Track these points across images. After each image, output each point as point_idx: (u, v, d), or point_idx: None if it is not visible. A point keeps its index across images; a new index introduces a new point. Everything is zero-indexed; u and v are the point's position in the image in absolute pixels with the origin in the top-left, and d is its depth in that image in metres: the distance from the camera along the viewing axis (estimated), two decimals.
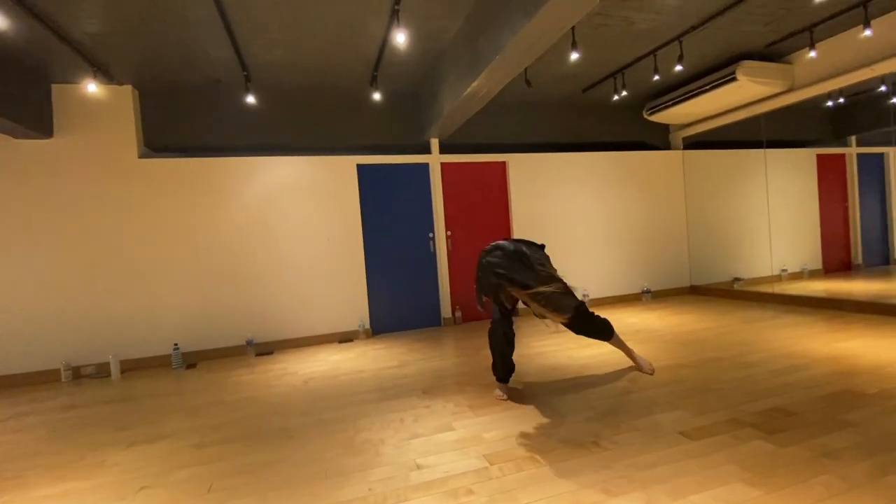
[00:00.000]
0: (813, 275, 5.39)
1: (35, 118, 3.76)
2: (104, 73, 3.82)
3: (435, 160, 5.04)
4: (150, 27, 3.22)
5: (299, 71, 4.16)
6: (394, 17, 3.10)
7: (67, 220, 4.01)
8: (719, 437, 1.99)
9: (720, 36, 3.97)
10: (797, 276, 5.38)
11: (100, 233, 4.08)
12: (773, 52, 4.44)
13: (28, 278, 3.91)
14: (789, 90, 4.61)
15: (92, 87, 3.73)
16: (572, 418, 2.31)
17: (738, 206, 5.60)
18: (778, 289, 5.07)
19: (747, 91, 4.60)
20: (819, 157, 5.34)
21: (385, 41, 3.64)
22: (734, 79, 4.39)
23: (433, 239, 5.06)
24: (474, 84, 3.32)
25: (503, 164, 5.31)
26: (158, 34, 3.32)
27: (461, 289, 5.16)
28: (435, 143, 5.04)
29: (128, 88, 4.17)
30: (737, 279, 5.59)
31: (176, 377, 3.75)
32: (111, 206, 4.11)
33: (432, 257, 5.05)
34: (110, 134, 4.11)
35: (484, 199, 5.28)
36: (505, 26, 2.75)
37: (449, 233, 5.11)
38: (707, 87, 4.69)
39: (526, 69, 4.10)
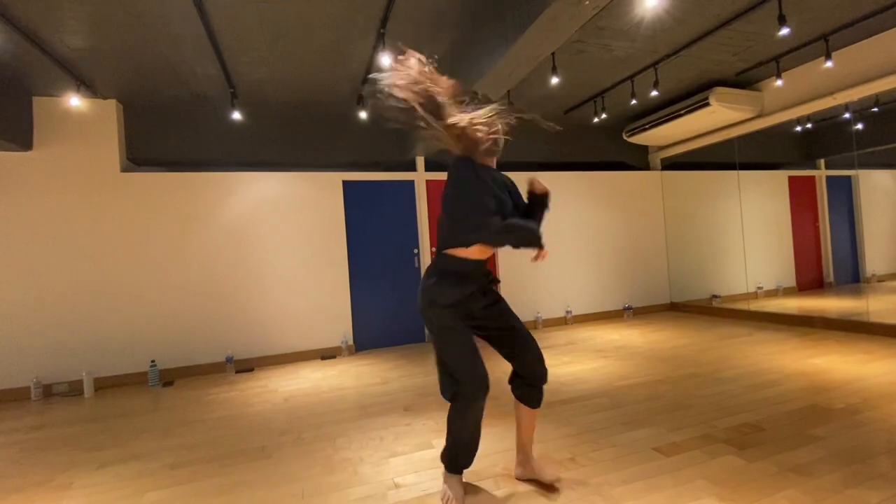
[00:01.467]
0: (787, 292, 5.56)
1: (13, 130, 3.72)
2: (88, 86, 3.81)
3: (420, 178, 5.11)
4: (136, 43, 3.24)
5: (286, 89, 4.21)
6: (380, 40, 3.18)
7: (43, 233, 3.94)
8: (692, 453, 2.03)
9: (693, 64, 4.15)
10: (772, 293, 5.54)
11: (76, 246, 4.02)
12: (744, 80, 4.64)
13: (3, 291, 3.81)
14: (759, 115, 4.82)
15: (75, 101, 3.72)
16: (550, 435, 2.33)
17: (715, 225, 5.78)
18: (754, 306, 5.21)
19: (720, 116, 4.79)
20: (791, 178, 5.57)
21: (371, 62, 3.72)
22: (707, 104, 4.58)
23: (418, 255, 5.09)
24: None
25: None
26: (144, 50, 3.34)
27: None
28: (420, 161, 5.11)
29: (112, 102, 4.16)
30: (715, 296, 5.73)
31: (152, 395, 3.66)
32: (89, 220, 4.06)
33: (417, 273, 5.07)
34: (92, 147, 4.08)
35: None
36: (485, 53, 2.85)
37: (434, 249, 5.15)
38: (682, 112, 4.87)
39: (508, 91, 4.22)
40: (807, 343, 3.85)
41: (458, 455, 1.79)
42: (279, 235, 4.58)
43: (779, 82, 4.24)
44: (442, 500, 1.79)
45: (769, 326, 4.66)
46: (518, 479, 1.91)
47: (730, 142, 5.24)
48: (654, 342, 4.24)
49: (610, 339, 4.50)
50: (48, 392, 3.86)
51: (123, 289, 4.11)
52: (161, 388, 3.89)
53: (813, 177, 5.52)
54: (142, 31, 3.09)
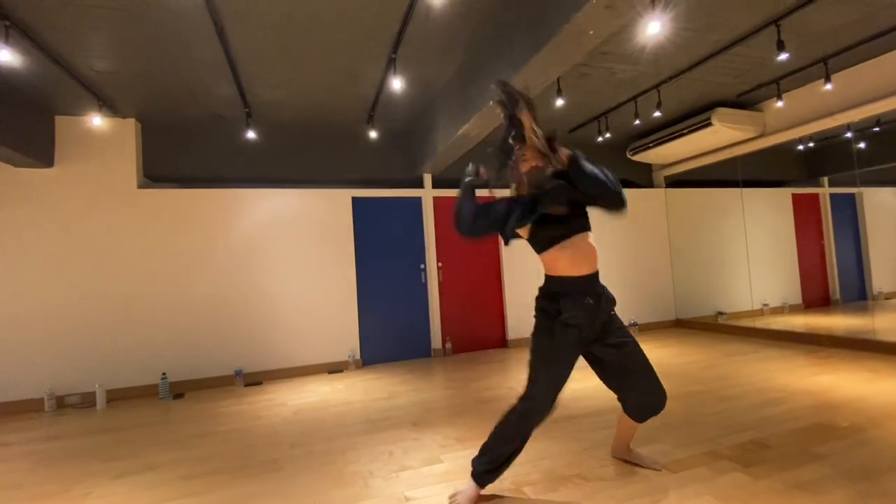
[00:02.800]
0: (793, 309, 5.57)
1: (36, 148, 3.86)
2: (109, 106, 3.96)
3: (428, 194, 5.21)
4: (157, 65, 3.38)
5: (299, 108, 4.35)
6: (391, 64, 3.31)
7: (62, 248, 4.05)
8: (698, 470, 2.06)
9: (695, 85, 4.26)
10: (778, 310, 5.55)
11: (93, 260, 4.12)
12: (745, 101, 4.74)
13: (16, 305, 3.91)
14: (761, 135, 4.90)
15: (97, 121, 3.86)
16: (558, 451, 2.36)
17: (720, 242, 5.82)
18: (759, 323, 5.22)
19: (722, 135, 4.88)
20: (794, 196, 5.62)
21: (382, 85, 3.85)
22: (710, 124, 4.67)
23: (425, 270, 5.16)
24: (465, 127, 3.51)
25: (493, 199, 5.48)
26: (165, 72, 3.49)
27: (452, 320, 5.22)
28: (428, 178, 5.22)
29: (131, 121, 4.31)
30: (720, 313, 5.74)
31: (163, 407, 3.72)
32: (106, 235, 4.17)
33: (423, 288, 5.14)
34: (111, 164, 4.22)
35: None
36: (493, 77, 2.96)
37: (440, 264, 5.22)
38: (685, 131, 4.97)
39: None
40: (813, 361, 3.86)
41: (490, 465, 1.84)
42: (289, 251, 4.67)
43: (779, 103, 4.33)
44: (449, 497, 1.88)
45: (775, 344, 4.66)
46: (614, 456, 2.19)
47: (733, 160, 5.32)
48: (659, 359, 4.26)
49: None
50: (61, 403, 3.93)
51: (136, 302, 4.19)
52: (171, 400, 3.94)
53: (817, 194, 5.57)
54: (163, 55, 3.23)
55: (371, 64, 3.52)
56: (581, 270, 1.88)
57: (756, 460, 2.12)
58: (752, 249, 5.44)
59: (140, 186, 4.31)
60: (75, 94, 3.71)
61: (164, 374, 4.10)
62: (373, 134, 4.65)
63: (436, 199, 5.26)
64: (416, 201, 5.20)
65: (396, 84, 3.29)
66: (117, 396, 4.06)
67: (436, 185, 5.29)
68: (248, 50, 3.22)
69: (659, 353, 4.49)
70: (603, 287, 1.96)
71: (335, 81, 3.79)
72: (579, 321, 1.84)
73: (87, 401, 3.97)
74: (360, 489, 2.08)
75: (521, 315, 5.39)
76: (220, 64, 3.37)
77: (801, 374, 3.49)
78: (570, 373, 1.87)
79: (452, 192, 5.31)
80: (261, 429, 3.01)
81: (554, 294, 1.90)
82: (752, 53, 3.67)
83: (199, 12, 2.74)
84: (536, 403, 1.83)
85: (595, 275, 1.91)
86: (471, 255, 5.39)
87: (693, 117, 4.94)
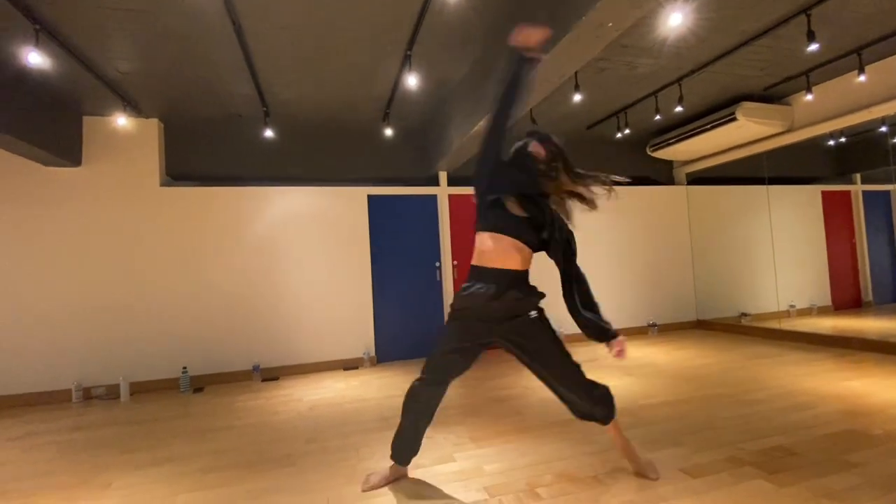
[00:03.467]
0: (821, 311, 5.36)
1: (65, 148, 3.99)
2: (133, 107, 4.06)
3: (443, 192, 5.19)
4: (179, 67, 3.45)
5: (315, 107, 4.38)
6: (406, 61, 3.30)
7: (89, 245, 4.18)
8: (719, 475, 1.99)
9: (719, 79, 4.13)
10: (805, 312, 5.36)
11: (118, 257, 4.23)
12: (772, 94, 4.58)
13: (46, 299, 4.05)
14: (789, 130, 4.73)
15: (122, 121, 3.96)
16: (573, 452, 2.32)
17: (744, 241, 5.64)
18: (786, 325, 5.05)
19: (747, 130, 4.72)
20: (824, 193, 5.41)
21: (397, 82, 3.84)
22: (734, 119, 4.53)
23: (440, 268, 5.15)
24: (480, 123, 3.48)
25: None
26: (186, 72, 3.55)
27: None
28: (443, 176, 5.20)
29: (154, 121, 4.41)
30: (743, 314, 5.57)
31: (184, 401, 3.80)
32: (131, 232, 4.28)
33: (438, 286, 5.13)
34: (135, 163, 4.33)
35: None
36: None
37: (455, 262, 5.20)
38: (708, 127, 4.83)
39: (531, 108, 4.28)
40: (843, 365, 3.71)
41: (397, 440, 2.08)
42: (306, 248, 4.71)
43: (809, 97, 4.17)
44: (366, 476, 2.10)
45: (802, 347, 4.50)
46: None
47: (758, 156, 5.15)
48: (679, 360, 4.15)
49: (634, 357, 4.43)
50: (87, 395, 4.05)
51: (159, 298, 4.29)
52: (192, 394, 4.03)
53: (848, 192, 5.35)
54: (184, 56, 3.29)
55: (386, 61, 3.51)
56: (493, 263, 1.96)
57: (781, 467, 2.04)
58: (779, 248, 5.25)
59: (163, 185, 4.41)
60: (101, 95, 3.82)
61: (184, 368, 4.19)
62: (388, 132, 4.66)
63: (451, 196, 5.24)
64: (432, 199, 5.19)
65: (412, 81, 3.28)
66: (140, 389, 4.17)
67: (451, 182, 5.27)
68: (265, 49, 3.25)
69: (679, 355, 4.38)
70: (518, 285, 2.00)
71: (351, 79, 3.80)
72: (467, 304, 1.95)
73: (112, 393, 4.08)
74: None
75: None
76: (238, 64, 3.42)
77: (830, 378, 3.36)
78: (459, 356, 1.98)
79: (468, 190, 5.28)
80: (277, 424, 3.05)
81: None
82: (780, 44, 3.54)
83: (217, 13, 2.78)
84: (423, 378, 2.01)
85: (505, 272, 1.96)
86: None
87: (716, 112, 4.79)
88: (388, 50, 3.33)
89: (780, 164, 5.15)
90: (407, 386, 1.88)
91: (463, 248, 5.26)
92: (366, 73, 3.71)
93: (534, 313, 2.01)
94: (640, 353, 4.61)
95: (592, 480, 2.01)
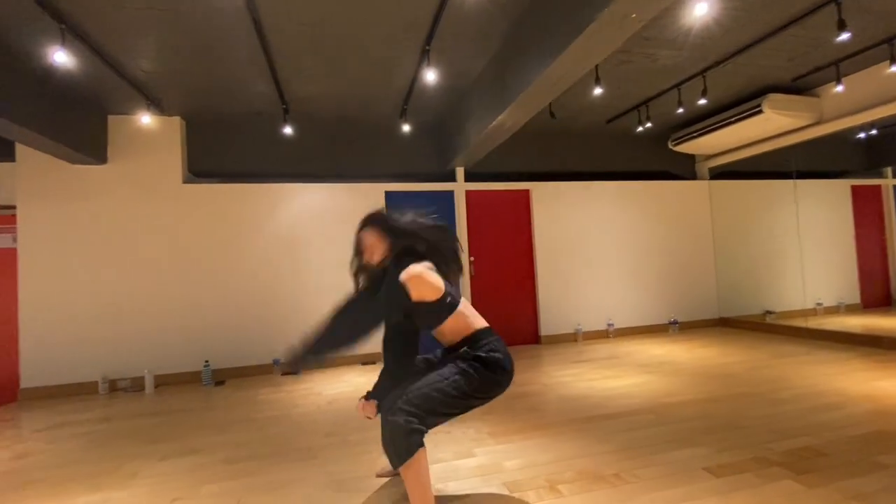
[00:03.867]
0: (850, 309, 5.20)
1: (92, 146, 4.09)
2: (156, 105, 4.13)
3: (460, 188, 5.18)
4: (201, 65, 3.50)
5: (334, 103, 4.40)
6: (424, 56, 3.28)
7: (114, 240, 4.28)
8: (745, 476, 1.95)
9: (744, 70, 4.02)
10: (833, 310, 5.20)
11: (143, 252, 4.33)
12: (800, 86, 4.44)
13: (74, 294, 4.17)
14: (817, 123, 4.58)
15: (145, 119, 4.04)
16: (594, 450, 2.29)
17: (769, 237, 5.50)
18: (812, 323, 4.91)
19: (774, 123, 4.59)
20: (853, 187, 5.23)
21: (415, 77, 3.83)
22: (760, 111, 4.40)
23: None
24: (500, 117, 3.45)
25: (527, 192, 5.40)
26: (207, 71, 3.60)
27: (483, 314, 5.17)
28: (460, 172, 5.18)
29: (176, 119, 4.49)
30: (768, 312, 5.43)
31: (206, 393, 3.88)
32: (155, 228, 4.37)
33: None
34: (158, 161, 4.41)
35: (507, 227, 5.36)
36: (530, 65, 2.88)
37: (472, 259, 5.19)
38: (733, 119, 4.71)
39: (549, 103, 4.22)
40: (872, 364, 3.59)
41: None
42: (324, 244, 4.75)
43: (839, 88, 4.02)
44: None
45: (830, 345, 4.37)
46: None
47: (785, 149, 5.00)
48: (702, 358, 4.07)
49: (654, 354, 4.36)
50: (113, 387, 4.16)
51: (182, 293, 4.38)
52: (213, 386, 4.11)
53: (879, 186, 5.16)
54: (205, 54, 3.33)
55: (405, 56, 3.50)
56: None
57: (810, 468, 1.99)
58: (806, 244, 5.10)
59: (185, 182, 4.49)
60: (125, 94, 3.89)
61: (206, 361, 4.27)
62: (406, 128, 4.65)
63: (468, 192, 5.22)
64: (449, 195, 5.17)
65: (430, 76, 3.27)
66: (164, 382, 4.27)
67: (468, 178, 5.25)
68: (285, 46, 3.27)
69: (701, 353, 4.30)
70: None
71: (369, 75, 3.81)
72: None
73: (137, 385, 4.19)
74: (394, 479, 2.09)
75: (554, 311, 5.29)
76: (258, 61, 3.45)
77: (860, 378, 3.25)
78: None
79: (485, 186, 5.26)
80: (297, 417, 3.09)
81: None
82: (808, 34, 3.42)
83: (238, 11, 2.81)
84: (421, 427, 1.68)
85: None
86: (504, 250, 5.32)
87: (742, 104, 4.67)
88: (406, 45, 3.33)
89: (807, 157, 4.99)
90: None
91: (480, 245, 5.24)
92: (384, 69, 3.71)
93: None
94: (660, 350, 4.53)
95: (615, 478, 1.99)
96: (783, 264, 5.31)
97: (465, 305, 1.84)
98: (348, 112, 4.65)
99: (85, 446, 2.76)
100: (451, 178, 5.21)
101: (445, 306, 1.76)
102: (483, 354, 1.74)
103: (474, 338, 1.79)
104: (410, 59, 3.56)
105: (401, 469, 1.61)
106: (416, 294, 1.71)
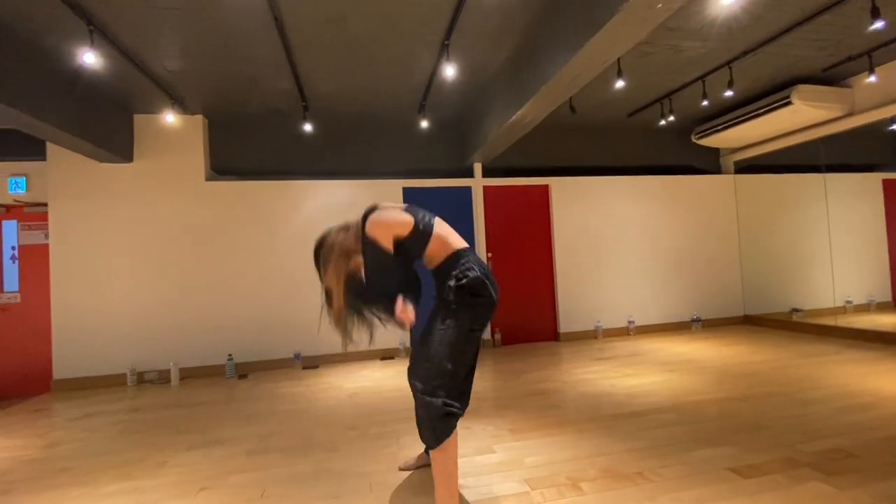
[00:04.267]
0: (881, 307, 5.02)
1: (119, 145, 4.20)
2: (180, 104, 4.21)
3: (478, 184, 5.16)
4: (223, 63, 3.55)
5: (352, 100, 4.42)
6: (443, 51, 3.27)
7: (141, 237, 4.39)
8: (773, 477, 1.90)
9: (773, 60, 3.89)
10: (863, 308, 5.03)
11: (168, 248, 4.44)
12: (831, 76, 4.29)
13: (103, 289, 4.29)
14: (849, 114, 4.41)
15: (170, 118, 4.13)
16: (616, 448, 2.27)
17: (797, 232, 5.34)
18: (842, 321, 4.76)
19: (803, 115, 4.45)
20: (886, 182, 5.04)
21: (434, 73, 3.82)
22: (789, 103, 4.27)
23: None
24: (519, 112, 3.42)
25: (546, 187, 5.35)
26: (229, 70, 3.65)
27: (501, 311, 5.17)
28: (478, 168, 5.16)
29: (199, 118, 4.57)
30: (795, 310, 5.29)
31: (229, 386, 3.96)
32: (179, 225, 4.47)
33: None
34: (182, 159, 4.51)
35: (526, 222, 5.32)
36: (551, 59, 2.85)
37: (490, 255, 5.17)
38: (760, 111, 4.57)
39: (570, 97, 4.17)
40: None
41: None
42: None
43: (871, 78, 3.87)
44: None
45: (860, 344, 4.23)
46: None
47: (814, 142, 4.84)
48: (726, 357, 3.99)
49: (676, 352, 4.29)
50: (141, 379, 4.29)
51: (206, 288, 4.48)
52: (237, 380, 4.19)
53: None
54: (228, 53, 3.38)
55: (424, 52, 3.50)
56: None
57: (840, 469, 1.93)
58: (836, 240, 4.94)
59: (207, 179, 4.57)
60: (150, 93, 3.98)
61: (230, 355, 4.36)
62: (424, 123, 4.65)
63: (486, 188, 5.19)
64: (466, 191, 5.16)
65: (449, 71, 3.26)
66: (189, 374, 4.38)
67: (486, 174, 5.23)
68: (306, 43, 3.30)
69: (726, 351, 4.21)
70: None
71: (388, 71, 3.81)
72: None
73: (164, 377, 4.30)
74: (415, 474, 2.10)
75: (574, 308, 5.24)
76: (279, 59, 3.48)
77: (892, 378, 3.14)
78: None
79: (503, 182, 5.22)
80: (318, 410, 3.13)
81: None
82: (840, 22, 3.29)
83: (260, 9, 2.83)
84: (456, 406, 1.79)
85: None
86: (522, 246, 5.29)
87: (769, 96, 4.53)
88: (426, 40, 3.32)
89: (838, 150, 4.82)
90: None
91: (498, 241, 5.22)
92: (403, 65, 3.71)
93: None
94: (683, 348, 4.45)
95: (638, 477, 1.96)
96: (811, 261, 5.15)
97: (440, 226, 1.89)
98: (367, 109, 4.67)
99: (115, 436, 2.85)
100: (469, 173, 5.19)
101: (420, 233, 1.83)
102: (463, 282, 1.79)
103: (455, 257, 1.86)
104: (429, 55, 3.55)
105: (433, 451, 1.66)
106: (387, 239, 1.77)
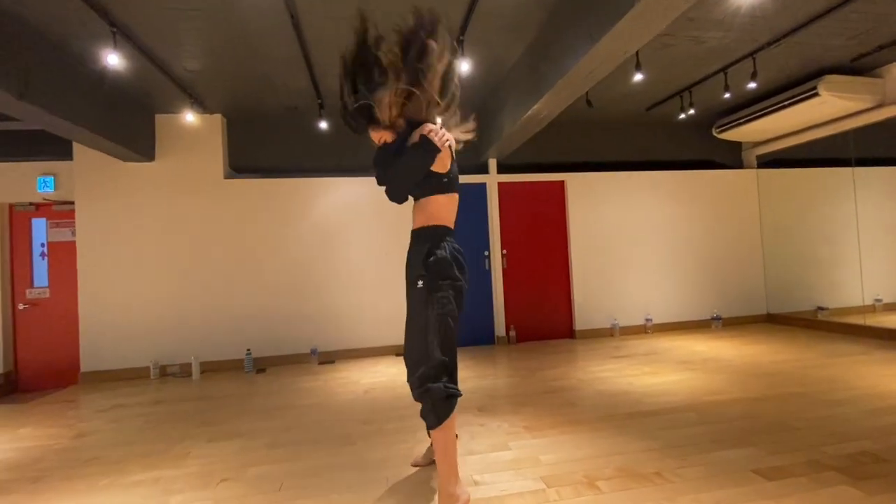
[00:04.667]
0: None
1: (142, 144, 4.29)
2: (199, 103, 4.29)
3: (492, 180, 5.13)
4: (241, 63, 3.60)
5: None
6: (458, 47, 3.25)
7: (163, 234, 4.50)
8: (798, 479, 1.85)
9: (799, 51, 3.77)
10: (893, 306, 4.85)
11: (189, 245, 4.53)
12: (861, 66, 4.13)
13: (127, 284, 4.41)
14: (879, 105, 4.25)
15: (189, 117, 4.21)
16: (633, 447, 2.24)
17: (824, 228, 5.17)
18: (871, 320, 4.60)
19: (831, 107, 4.30)
20: None
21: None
22: (816, 94, 4.13)
23: (489, 257, 5.11)
24: (535, 107, 3.38)
25: (562, 183, 5.29)
26: (247, 69, 3.70)
27: (516, 308, 5.15)
28: (493, 164, 5.13)
29: (217, 117, 4.65)
30: (821, 308, 5.13)
31: (248, 380, 4.03)
32: (198, 222, 4.56)
33: (487, 275, 5.10)
34: (202, 157, 4.59)
35: (541, 219, 5.27)
36: (568, 52, 2.80)
37: (504, 251, 5.15)
38: (785, 103, 4.43)
39: (587, 91, 4.10)
40: None
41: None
42: (359, 237, 4.82)
43: None
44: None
45: (890, 345, 4.09)
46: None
47: (843, 135, 4.68)
48: (747, 356, 3.90)
49: (695, 351, 4.21)
50: (164, 372, 4.40)
51: (226, 283, 4.56)
52: (255, 374, 4.27)
53: None
54: (245, 53, 3.42)
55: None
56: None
57: (869, 474, 1.87)
58: (865, 236, 4.77)
59: (226, 177, 4.65)
60: (171, 93, 4.06)
61: (248, 350, 4.44)
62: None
63: (501, 184, 5.16)
64: (481, 187, 5.14)
65: (464, 67, 3.24)
66: (209, 368, 4.47)
67: (501, 169, 5.19)
68: (321, 41, 3.32)
69: (747, 350, 4.11)
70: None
71: None
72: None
73: (185, 371, 4.41)
74: (430, 469, 2.11)
75: (590, 305, 5.18)
76: (295, 57, 3.51)
77: None
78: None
79: (518, 178, 5.18)
80: (335, 405, 3.17)
81: None
82: (872, 9, 3.17)
83: (276, 8, 2.86)
84: (452, 386, 1.87)
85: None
86: (537, 242, 5.25)
87: (795, 87, 4.39)
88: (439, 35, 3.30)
89: (867, 143, 4.64)
90: (458, 373, 1.88)
91: (513, 238, 5.19)
92: None
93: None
94: (702, 346, 4.37)
95: (656, 477, 1.94)
96: (838, 258, 4.99)
97: (450, 199, 1.95)
98: None
99: (140, 427, 2.93)
100: (484, 170, 5.17)
101: (443, 185, 1.90)
102: (431, 264, 1.84)
103: (434, 230, 1.91)
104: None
105: (435, 431, 1.74)
106: (439, 163, 1.84)
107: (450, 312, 1.82)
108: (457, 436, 1.98)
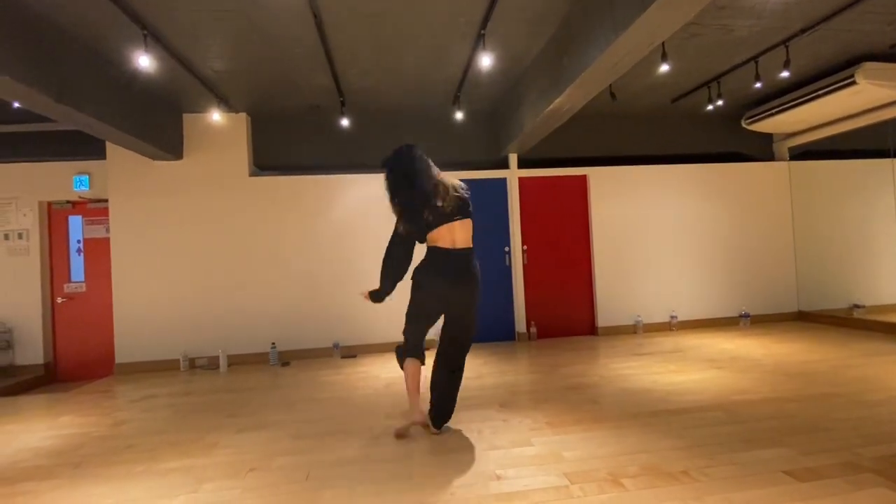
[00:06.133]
0: None
1: (171, 143, 4.42)
2: (225, 103, 4.39)
3: (513, 175, 5.09)
4: (265, 63, 3.66)
5: (388, 94, 4.46)
6: (479, 41, 3.23)
7: (191, 230, 4.63)
8: (832, 481, 1.80)
9: (834, 37, 3.62)
10: None
11: (216, 241, 4.65)
12: None
13: (158, 279, 4.56)
14: None
15: (216, 116, 4.31)
16: (658, 445, 2.20)
17: (860, 222, 4.97)
18: None
19: (868, 95, 4.11)
20: None
21: (469, 64, 3.79)
22: (853, 82, 3.95)
23: (509, 253, 5.08)
24: (557, 101, 3.34)
25: (584, 177, 5.22)
26: (272, 68, 3.76)
27: (537, 304, 5.11)
28: (513, 159, 5.10)
29: (242, 116, 4.75)
30: (856, 306, 4.94)
31: (273, 373, 4.13)
32: (226, 218, 4.68)
33: (508, 271, 5.07)
34: (227, 155, 4.70)
35: (562, 214, 5.22)
36: (592, 43, 2.76)
37: (525, 247, 5.11)
38: (820, 93, 4.26)
39: (610, 84, 4.03)
40: None
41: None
42: (381, 233, 4.85)
43: None
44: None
45: None
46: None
47: (881, 125, 4.48)
48: (777, 355, 3.78)
49: (723, 349, 4.11)
50: (192, 364, 4.54)
51: (251, 279, 4.67)
52: (280, 367, 4.37)
53: None
54: (270, 53, 3.48)
55: (459, 43, 3.47)
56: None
57: None
58: None
59: (251, 175, 4.75)
60: (198, 93, 4.16)
61: (273, 343, 4.54)
62: (458, 115, 4.63)
63: (521, 179, 5.13)
64: (501, 183, 5.11)
65: (486, 61, 3.22)
66: (236, 361, 4.59)
67: (522, 164, 5.15)
68: (344, 39, 3.35)
69: (778, 349, 3.99)
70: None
71: (424, 63, 3.81)
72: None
73: (213, 363, 4.54)
74: (452, 463, 2.12)
75: (610, 302, 5.11)
76: (318, 56, 3.55)
77: None
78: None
79: (539, 173, 5.14)
80: (357, 399, 3.21)
81: None
82: None
83: (300, 8, 2.89)
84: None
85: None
86: (559, 237, 5.19)
87: (830, 76, 4.22)
88: (461, 31, 3.29)
89: None
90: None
91: (534, 233, 5.15)
92: (438, 57, 3.70)
93: None
94: (730, 344, 4.26)
95: (683, 475, 1.90)
96: (876, 253, 4.79)
97: (447, 230, 2.79)
98: (402, 101, 4.69)
99: (171, 417, 3.04)
100: (504, 165, 5.14)
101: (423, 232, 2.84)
102: (413, 280, 2.83)
103: (429, 252, 2.84)
104: (464, 46, 3.52)
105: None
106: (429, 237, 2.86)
107: (426, 305, 2.83)
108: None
